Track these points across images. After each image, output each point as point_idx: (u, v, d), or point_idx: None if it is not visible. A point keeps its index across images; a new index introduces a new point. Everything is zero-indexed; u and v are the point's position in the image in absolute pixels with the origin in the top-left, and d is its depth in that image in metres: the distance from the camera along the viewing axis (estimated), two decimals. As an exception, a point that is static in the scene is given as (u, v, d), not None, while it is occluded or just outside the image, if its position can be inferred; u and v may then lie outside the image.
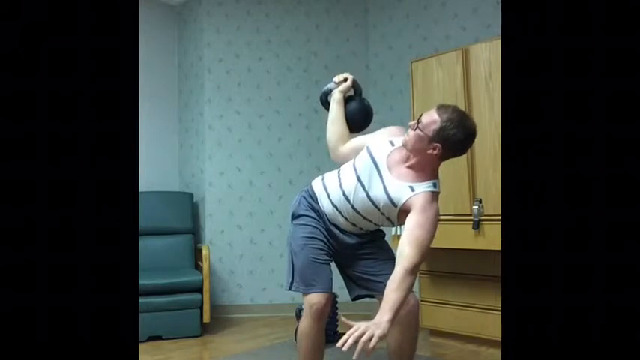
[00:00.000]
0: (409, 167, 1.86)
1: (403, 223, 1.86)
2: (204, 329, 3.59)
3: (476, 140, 2.95)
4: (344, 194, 1.94)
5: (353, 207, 1.94)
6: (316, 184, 2.09)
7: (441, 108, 1.82)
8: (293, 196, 4.29)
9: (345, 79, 2.19)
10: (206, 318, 3.50)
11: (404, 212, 1.84)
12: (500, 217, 2.72)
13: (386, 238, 2.17)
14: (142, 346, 3.21)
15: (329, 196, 2.00)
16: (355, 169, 1.94)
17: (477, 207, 2.88)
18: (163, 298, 3.40)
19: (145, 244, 3.88)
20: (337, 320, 3.31)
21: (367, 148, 1.96)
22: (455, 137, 1.78)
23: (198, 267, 3.91)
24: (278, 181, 4.29)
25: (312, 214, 2.04)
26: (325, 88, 2.25)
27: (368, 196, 1.89)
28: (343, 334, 3.70)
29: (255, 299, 4.21)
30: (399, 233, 3.18)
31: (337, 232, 2.03)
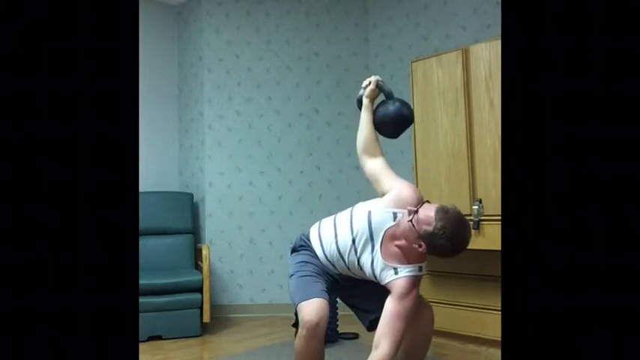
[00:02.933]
0: (398, 246, 1.85)
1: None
2: (204, 329, 3.59)
3: (476, 140, 2.99)
4: (339, 251, 1.94)
5: (345, 263, 1.94)
6: (313, 233, 2.06)
7: (441, 211, 1.77)
8: (293, 195, 4.33)
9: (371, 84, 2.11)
10: (206, 318, 3.50)
11: (387, 288, 1.86)
12: (500, 217, 2.72)
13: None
14: (142, 346, 3.21)
15: (323, 249, 1.99)
16: (352, 230, 1.92)
17: (476, 207, 2.88)
18: (163, 298, 3.40)
19: (145, 244, 3.89)
20: (337, 320, 3.31)
21: (368, 213, 1.90)
22: (442, 247, 1.76)
23: (198, 267, 3.91)
24: (278, 181, 4.29)
25: (309, 251, 2.03)
26: (358, 95, 2.17)
27: (358, 261, 1.91)
28: (344, 333, 3.72)
29: (255, 299, 4.21)
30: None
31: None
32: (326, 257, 1.98)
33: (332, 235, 1.97)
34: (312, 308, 1.80)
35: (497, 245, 2.74)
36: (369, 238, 1.89)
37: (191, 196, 4.28)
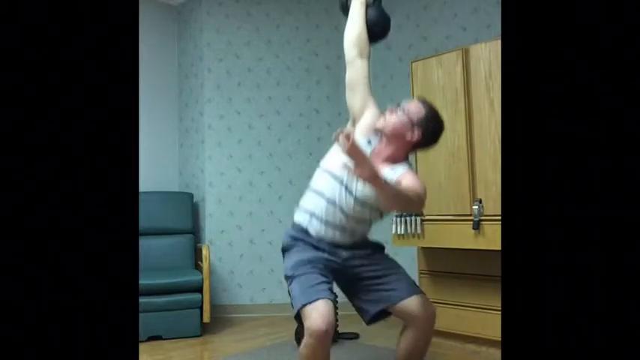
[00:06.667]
0: (385, 160, 1.91)
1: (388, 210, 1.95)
2: (204, 329, 3.59)
3: (476, 140, 2.99)
4: (332, 203, 1.89)
5: (344, 212, 1.89)
6: (296, 217, 2.02)
7: (422, 100, 1.96)
8: (293, 196, 4.33)
9: None
10: (206, 318, 3.50)
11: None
12: (500, 217, 2.72)
13: (387, 241, 2.15)
14: (142, 346, 3.21)
15: (313, 217, 1.93)
16: (335, 176, 1.90)
17: (477, 207, 2.88)
18: (163, 298, 3.40)
19: (145, 244, 3.88)
20: (337, 320, 3.31)
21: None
22: (434, 128, 1.92)
23: (198, 267, 3.91)
24: (278, 181, 4.29)
25: (301, 245, 1.95)
26: None
27: (355, 196, 1.87)
28: (344, 333, 3.70)
29: (255, 299, 4.21)
30: (399, 233, 3.18)
31: (333, 258, 1.93)
32: (321, 222, 1.91)
33: (316, 197, 1.94)
34: (318, 314, 1.70)
35: (497, 245, 2.74)
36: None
37: (191, 196, 4.28)
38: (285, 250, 2.00)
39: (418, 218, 3.13)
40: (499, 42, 2.88)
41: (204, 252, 3.68)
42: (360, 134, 1.95)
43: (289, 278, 1.88)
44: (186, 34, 4.53)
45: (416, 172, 2.07)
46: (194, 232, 4.20)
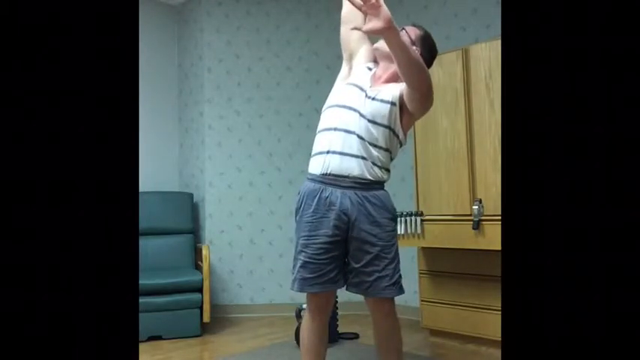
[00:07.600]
0: (385, 82, 1.99)
1: (404, 129, 1.98)
2: (204, 329, 3.59)
3: (476, 140, 3.00)
4: (346, 131, 1.92)
5: (356, 134, 1.90)
6: (311, 165, 2.08)
7: (417, 25, 2.06)
8: (293, 196, 4.31)
9: None
10: (206, 318, 3.50)
11: (401, 110, 1.92)
12: (500, 217, 2.72)
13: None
14: (142, 346, 3.21)
15: (331, 150, 1.94)
16: (347, 105, 1.96)
17: (477, 207, 2.88)
18: (163, 298, 3.40)
19: (145, 244, 3.88)
20: (337, 320, 3.31)
21: (351, 85, 2.02)
22: (431, 47, 2.03)
23: (198, 267, 3.91)
24: (278, 181, 4.29)
25: (313, 205, 1.97)
26: None
27: (364, 116, 1.92)
28: (344, 333, 3.69)
29: (255, 299, 4.21)
30: (399, 232, 3.18)
31: (342, 206, 1.92)
32: (336, 155, 1.93)
33: (327, 133, 1.98)
34: (316, 295, 1.96)
35: (497, 245, 2.74)
36: (363, 94, 1.96)
37: (191, 196, 4.28)
38: (296, 212, 2.06)
39: (418, 218, 3.13)
40: (499, 42, 2.88)
41: (204, 252, 3.68)
42: (361, 63, 2.07)
43: (297, 252, 1.99)
44: (186, 34, 4.53)
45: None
46: (194, 232, 4.20)
